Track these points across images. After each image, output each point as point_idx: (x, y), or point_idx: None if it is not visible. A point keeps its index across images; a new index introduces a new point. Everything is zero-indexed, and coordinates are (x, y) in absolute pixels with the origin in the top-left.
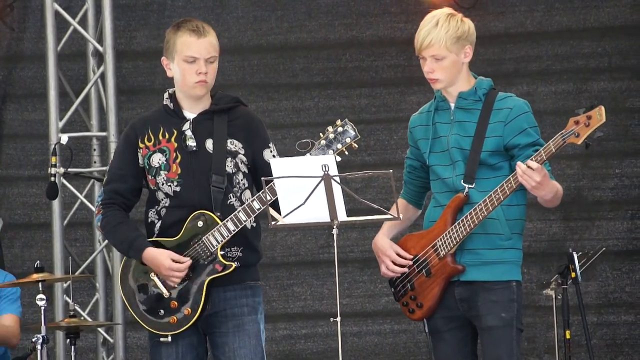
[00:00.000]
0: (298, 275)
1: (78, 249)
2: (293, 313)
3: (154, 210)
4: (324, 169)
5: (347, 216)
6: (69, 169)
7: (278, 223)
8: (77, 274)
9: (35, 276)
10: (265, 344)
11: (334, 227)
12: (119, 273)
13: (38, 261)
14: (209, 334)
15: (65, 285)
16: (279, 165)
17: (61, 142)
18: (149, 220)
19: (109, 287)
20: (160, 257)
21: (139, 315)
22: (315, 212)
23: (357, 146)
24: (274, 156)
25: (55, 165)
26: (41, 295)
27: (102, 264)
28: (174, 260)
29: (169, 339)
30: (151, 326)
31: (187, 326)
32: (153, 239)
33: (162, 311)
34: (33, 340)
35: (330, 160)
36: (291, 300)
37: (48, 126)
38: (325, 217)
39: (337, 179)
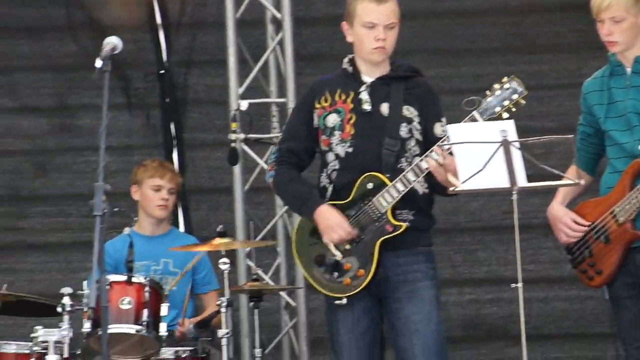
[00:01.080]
0: (482, 240)
1: (262, 212)
2: (478, 278)
3: (325, 174)
4: (503, 135)
5: (528, 182)
6: (249, 135)
7: (457, 189)
8: (258, 238)
9: (218, 241)
10: (441, 309)
11: (514, 192)
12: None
13: (221, 225)
14: (383, 300)
15: (247, 250)
16: (457, 130)
17: (241, 108)
18: (321, 185)
19: (290, 251)
20: (330, 215)
21: (314, 278)
22: (494, 177)
23: (524, 102)
24: (444, 130)
25: (235, 132)
26: (224, 260)
27: (283, 228)
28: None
29: (344, 301)
30: (326, 289)
31: (361, 287)
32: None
33: (336, 274)
34: (217, 303)
35: (509, 126)
36: (476, 265)
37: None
38: (504, 183)
39: (517, 144)
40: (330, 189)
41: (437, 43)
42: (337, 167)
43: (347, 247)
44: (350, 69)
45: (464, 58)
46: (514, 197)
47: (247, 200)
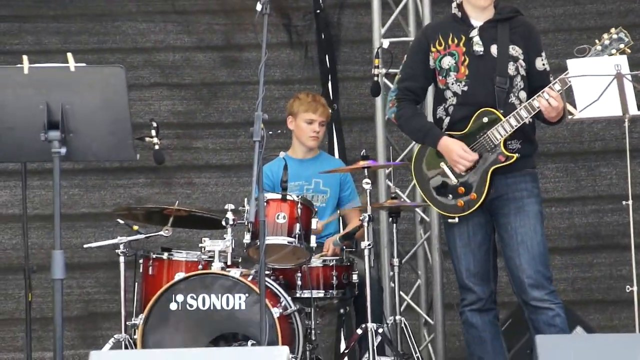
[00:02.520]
0: (604, 158)
1: (401, 137)
2: (600, 191)
3: (442, 107)
4: (617, 68)
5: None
6: (390, 70)
7: (574, 117)
8: (397, 161)
9: (362, 163)
10: (544, 223)
11: (626, 120)
12: (412, 163)
13: (364, 150)
14: (494, 216)
15: (387, 171)
16: (576, 65)
17: (383, 46)
18: (438, 116)
19: None
20: (454, 145)
21: (430, 198)
22: (608, 107)
23: (630, 51)
24: (543, 64)
25: (378, 67)
26: (367, 180)
27: None
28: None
29: (456, 220)
30: (440, 208)
31: (473, 209)
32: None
33: (450, 196)
34: (360, 218)
35: (622, 61)
36: (598, 179)
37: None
38: (617, 112)
39: (629, 76)
40: (446, 120)
41: None
42: (454, 102)
43: (463, 173)
44: (459, 14)
45: None
46: (626, 123)
47: (388, 128)
